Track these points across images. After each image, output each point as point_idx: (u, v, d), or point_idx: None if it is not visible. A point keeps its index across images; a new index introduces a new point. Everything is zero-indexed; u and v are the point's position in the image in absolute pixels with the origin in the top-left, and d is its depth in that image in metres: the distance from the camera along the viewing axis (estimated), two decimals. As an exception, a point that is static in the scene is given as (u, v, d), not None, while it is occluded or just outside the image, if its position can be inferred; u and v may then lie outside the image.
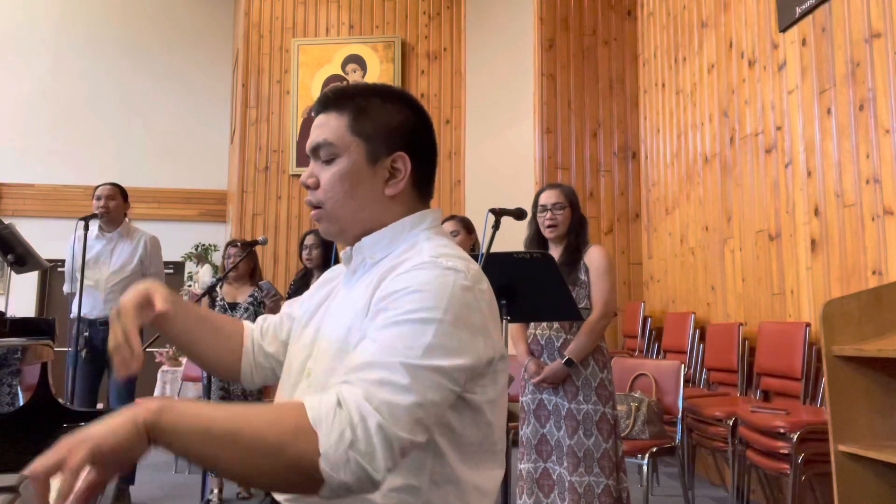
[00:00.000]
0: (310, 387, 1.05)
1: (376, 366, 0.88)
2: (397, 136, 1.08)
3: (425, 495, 0.94)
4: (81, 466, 0.77)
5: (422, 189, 1.12)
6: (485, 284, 1.01)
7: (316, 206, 1.09)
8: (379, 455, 0.83)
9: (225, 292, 4.21)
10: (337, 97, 1.10)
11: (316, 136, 1.09)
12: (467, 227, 3.54)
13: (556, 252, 2.90)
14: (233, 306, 4.15)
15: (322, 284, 1.23)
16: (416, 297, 0.93)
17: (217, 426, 0.83)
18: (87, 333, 3.82)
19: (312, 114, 1.14)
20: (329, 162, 1.07)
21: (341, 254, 1.16)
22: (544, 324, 2.88)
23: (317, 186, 1.08)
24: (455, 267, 0.97)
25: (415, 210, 1.11)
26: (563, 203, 2.88)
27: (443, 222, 3.61)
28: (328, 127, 1.08)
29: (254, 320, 4.52)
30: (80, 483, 0.76)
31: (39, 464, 0.78)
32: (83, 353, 3.80)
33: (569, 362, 2.75)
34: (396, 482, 0.94)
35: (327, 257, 3.93)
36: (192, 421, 0.83)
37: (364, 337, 0.96)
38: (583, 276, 2.85)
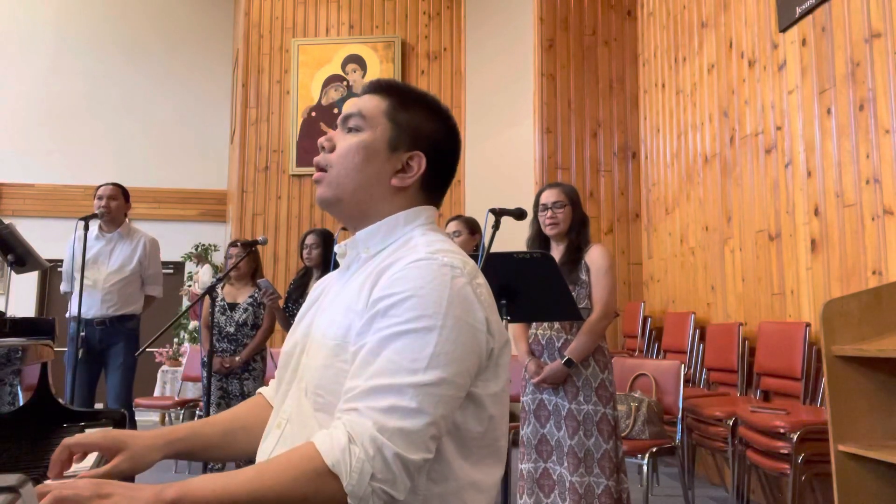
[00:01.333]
0: (301, 383, 1.05)
1: (383, 391, 0.89)
2: (424, 138, 1.11)
3: (422, 493, 0.95)
4: None
5: (429, 194, 1.13)
6: (481, 278, 1.02)
7: (321, 169, 1.10)
8: (399, 479, 0.87)
9: (226, 292, 4.21)
10: (389, 85, 1.14)
11: (351, 107, 1.12)
12: (471, 228, 3.52)
13: (557, 251, 2.90)
14: (232, 306, 4.15)
15: (315, 289, 1.23)
16: (414, 302, 0.93)
17: (239, 499, 0.84)
18: (84, 333, 3.82)
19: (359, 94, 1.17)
20: (353, 131, 1.10)
21: (336, 248, 1.16)
22: (545, 324, 2.88)
23: (332, 150, 1.10)
24: (452, 263, 0.98)
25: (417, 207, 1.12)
26: (563, 201, 2.88)
27: (448, 222, 3.60)
28: (367, 104, 1.12)
29: (253, 320, 4.47)
30: None
31: (57, 491, 0.80)
32: (80, 353, 3.80)
33: (568, 362, 2.75)
34: None
35: (327, 257, 3.92)
36: (212, 501, 0.84)
37: (362, 336, 0.96)
38: (583, 276, 2.84)
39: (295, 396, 1.05)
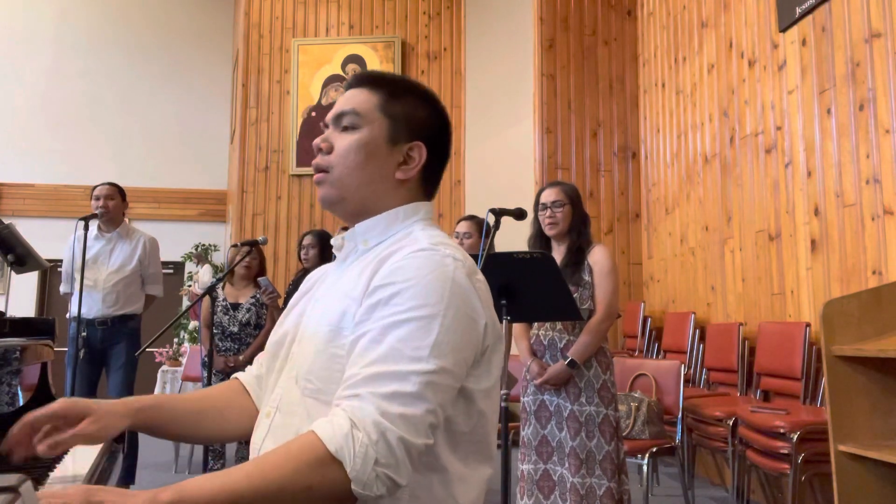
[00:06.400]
0: (292, 370, 1.05)
1: (386, 377, 0.89)
2: (421, 127, 1.10)
3: (409, 484, 0.94)
4: None
5: (428, 185, 1.14)
6: (480, 275, 1.03)
7: (322, 171, 1.09)
8: (402, 464, 0.86)
9: (227, 293, 4.22)
10: (375, 77, 1.13)
11: (343, 104, 1.10)
12: (482, 232, 3.44)
13: (559, 251, 2.89)
14: (235, 306, 4.16)
15: (309, 279, 1.23)
16: (416, 291, 0.94)
17: (240, 495, 0.83)
18: (84, 333, 3.82)
19: (342, 90, 1.15)
20: (349, 130, 1.08)
21: (332, 241, 1.15)
22: (547, 324, 2.87)
23: (330, 151, 1.09)
24: (454, 255, 0.99)
25: (416, 202, 1.12)
26: (562, 201, 2.87)
27: (459, 221, 3.55)
28: (358, 99, 1.10)
29: (256, 320, 4.48)
30: None
31: (46, 500, 0.79)
32: (81, 353, 3.80)
33: (571, 363, 2.74)
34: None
35: (324, 258, 3.92)
36: (212, 500, 0.82)
37: (361, 325, 0.95)
38: (587, 277, 2.82)
39: (284, 384, 1.05)
